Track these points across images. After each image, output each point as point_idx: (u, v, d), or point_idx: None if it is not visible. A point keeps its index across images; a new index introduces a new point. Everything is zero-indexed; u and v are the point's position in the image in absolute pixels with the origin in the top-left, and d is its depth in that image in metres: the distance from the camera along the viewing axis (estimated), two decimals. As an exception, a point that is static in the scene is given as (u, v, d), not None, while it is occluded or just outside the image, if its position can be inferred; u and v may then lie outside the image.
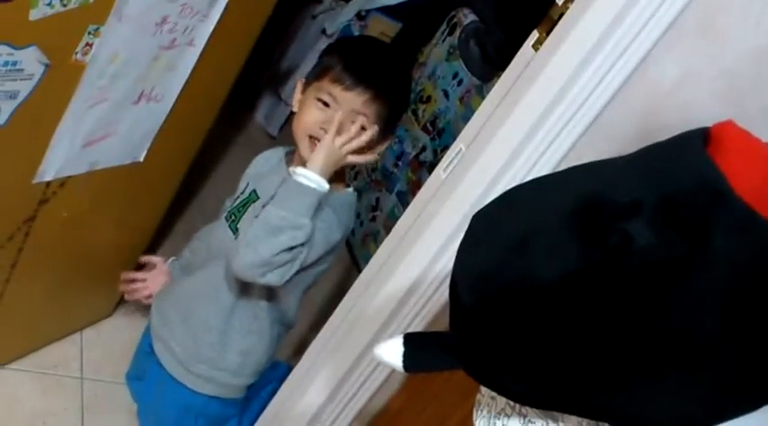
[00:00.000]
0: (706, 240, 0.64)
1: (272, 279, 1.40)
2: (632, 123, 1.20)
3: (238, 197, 1.59)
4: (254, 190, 1.55)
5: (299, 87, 1.53)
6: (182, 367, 1.61)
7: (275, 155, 1.63)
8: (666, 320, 0.65)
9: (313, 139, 1.45)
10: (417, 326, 1.40)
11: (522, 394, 0.74)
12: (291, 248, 1.37)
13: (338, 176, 1.51)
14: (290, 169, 1.42)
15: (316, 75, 1.49)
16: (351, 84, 1.43)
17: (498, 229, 0.73)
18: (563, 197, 0.71)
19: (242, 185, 1.61)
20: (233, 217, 1.56)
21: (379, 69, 1.50)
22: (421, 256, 1.37)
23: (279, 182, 1.48)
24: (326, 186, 1.40)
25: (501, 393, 0.76)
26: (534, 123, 1.22)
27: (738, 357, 0.67)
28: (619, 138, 1.21)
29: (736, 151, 0.68)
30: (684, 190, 0.66)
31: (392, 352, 0.75)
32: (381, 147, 1.55)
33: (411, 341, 0.76)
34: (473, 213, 1.29)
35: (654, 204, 0.66)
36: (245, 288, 1.53)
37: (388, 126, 1.51)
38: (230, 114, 1.98)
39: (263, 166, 1.62)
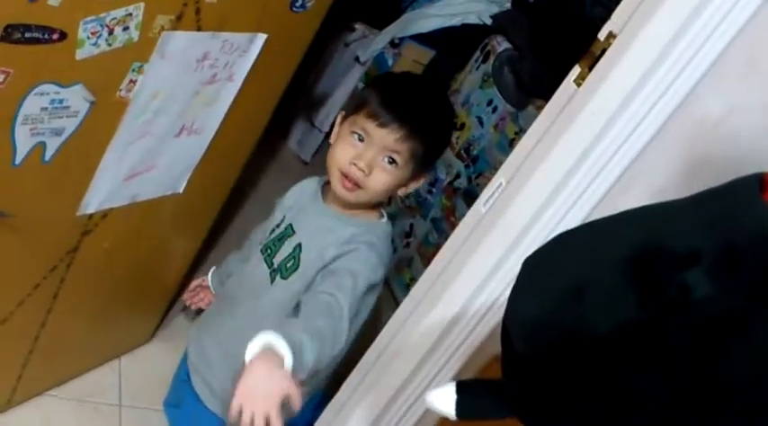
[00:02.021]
0: (766, 291, 0.63)
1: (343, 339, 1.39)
2: (676, 158, 1.19)
3: (274, 229, 1.59)
4: (291, 225, 1.55)
5: (339, 120, 1.54)
6: (219, 401, 1.61)
7: (311, 186, 1.63)
8: (726, 374, 0.64)
9: (343, 174, 1.45)
10: (456, 362, 1.40)
11: (577, 445, 0.73)
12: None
13: (374, 204, 1.51)
14: None
15: (353, 109, 1.49)
16: (385, 120, 1.42)
17: (551, 277, 0.73)
18: (617, 245, 0.71)
19: (278, 216, 1.61)
20: (269, 251, 1.56)
21: (417, 107, 1.48)
22: (461, 290, 1.37)
23: (313, 216, 1.49)
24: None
25: (554, 442, 0.76)
26: (577, 158, 1.21)
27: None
28: (663, 174, 1.20)
29: (794, 200, 0.67)
30: (743, 240, 0.65)
31: (445, 400, 0.75)
32: (416, 184, 1.53)
33: (464, 388, 0.76)
34: (516, 249, 1.30)
35: (712, 253, 0.65)
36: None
37: (423, 164, 1.49)
38: (263, 140, 1.99)
39: (300, 198, 1.62)
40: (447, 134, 1.61)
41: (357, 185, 1.44)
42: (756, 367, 0.63)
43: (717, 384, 0.64)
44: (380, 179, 1.44)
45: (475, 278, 1.35)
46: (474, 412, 0.77)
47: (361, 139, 1.44)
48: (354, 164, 1.43)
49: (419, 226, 2.84)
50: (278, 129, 3.44)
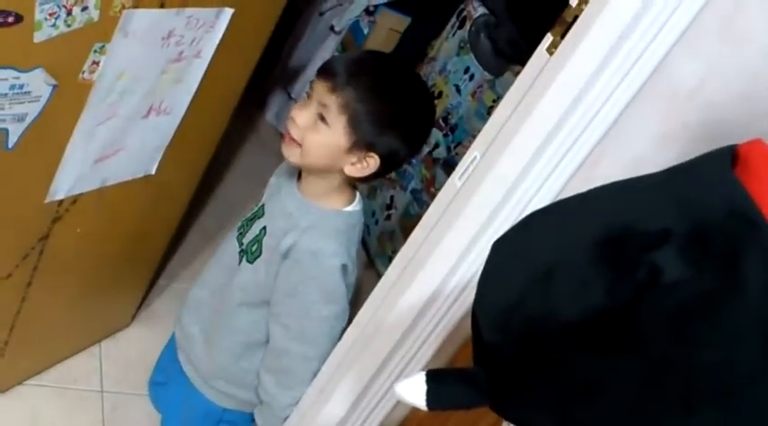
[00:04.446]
0: (738, 271, 0.61)
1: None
2: (652, 126, 1.17)
3: (255, 206, 1.56)
4: (263, 205, 1.52)
5: None
6: (202, 380, 1.60)
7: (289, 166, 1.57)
8: (699, 355, 0.62)
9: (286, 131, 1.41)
10: (437, 337, 1.38)
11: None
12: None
13: (343, 188, 1.44)
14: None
15: None
16: (323, 72, 1.37)
17: (520, 260, 0.71)
18: (587, 225, 0.68)
19: (264, 194, 1.58)
20: (242, 229, 1.53)
21: (357, 62, 1.43)
22: (439, 265, 1.35)
23: (282, 198, 1.46)
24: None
25: (528, 428, 0.74)
26: (551, 129, 1.19)
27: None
28: (638, 142, 1.18)
29: (767, 174, 0.65)
30: (714, 218, 0.63)
31: (414, 390, 0.73)
32: (365, 167, 1.38)
33: (433, 377, 0.73)
34: (491, 224, 1.28)
35: (683, 233, 0.63)
36: (258, 313, 1.50)
37: (364, 134, 1.35)
38: (240, 114, 1.95)
39: (281, 177, 1.56)
40: (395, 106, 1.40)
41: (294, 141, 1.39)
42: (727, 352, 0.62)
43: (687, 370, 0.63)
44: (311, 137, 1.36)
45: (453, 252, 1.33)
46: (445, 401, 0.75)
47: (310, 97, 1.40)
48: (292, 118, 1.39)
49: (399, 198, 2.82)
50: (255, 103, 3.40)
